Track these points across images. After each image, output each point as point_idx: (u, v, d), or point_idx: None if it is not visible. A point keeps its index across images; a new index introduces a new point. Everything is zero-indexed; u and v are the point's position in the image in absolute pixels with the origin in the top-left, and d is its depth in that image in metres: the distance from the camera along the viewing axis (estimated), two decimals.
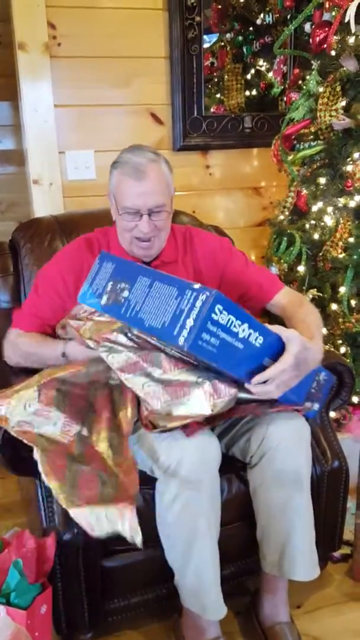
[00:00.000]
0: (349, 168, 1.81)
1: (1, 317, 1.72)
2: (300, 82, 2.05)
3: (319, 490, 1.52)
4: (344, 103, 1.83)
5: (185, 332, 1.09)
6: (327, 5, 1.86)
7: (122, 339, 1.27)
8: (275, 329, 1.19)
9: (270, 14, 2.23)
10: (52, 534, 1.29)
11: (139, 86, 2.12)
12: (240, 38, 2.26)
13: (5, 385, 1.35)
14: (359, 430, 1.93)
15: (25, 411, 1.24)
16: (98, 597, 1.38)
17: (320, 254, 1.92)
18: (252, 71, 2.31)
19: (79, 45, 2.02)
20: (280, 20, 2.22)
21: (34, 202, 2.08)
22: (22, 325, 1.53)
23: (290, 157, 2.02)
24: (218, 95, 2.28)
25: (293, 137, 2.04)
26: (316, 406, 1.36)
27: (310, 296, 1.90)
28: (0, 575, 1.25)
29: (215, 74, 2.26)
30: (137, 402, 1.28)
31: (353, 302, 1.84)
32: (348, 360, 1.76)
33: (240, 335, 1.14)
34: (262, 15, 2.23)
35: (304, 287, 1.94)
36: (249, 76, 2.31)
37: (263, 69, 2.33)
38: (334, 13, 1.82)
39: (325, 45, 1.86)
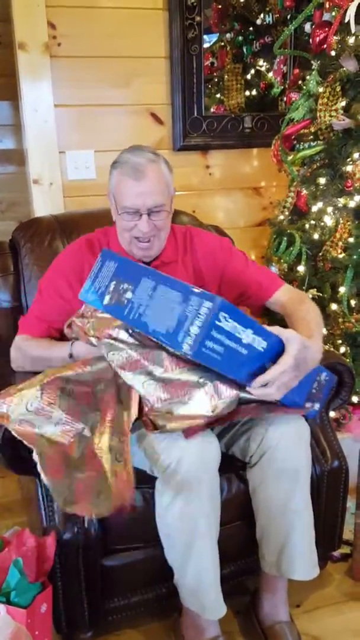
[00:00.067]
0: (349, 168, 1.81)
1: (1, 316, 1.72)
2: (300, 82, 2.06)
3: (318, 490, 1.53)
4: (343, 103, 1.83)
5: (189, 340, 1.09)
6: (327, 6, 1.86)
7: (123, 335, 1.27)
8: (275, 330, 1.19)
9: (270, 14, 2.23)
10: (52, 533, 1.29)
11: (139, 86, 2.12)
12: (240, 38, 2.26)
13: (5, 387, 1.35)
14: (359, 430, 1.93)
15: (27, 410, 1.24)
16: (98, 596, 1.39)
17: (320, 254, 1.92)
18: (252, 71, 2.31)
19: (79, 45, 2.02)
20: (280, 20, 2.23)
21: (34, 201, 2.09)
22: (28, 330, 1.53)
23: (290, 157, 2.03)
24: (218, 95, 2.28)
25: (293, 137, 2.04)
26: (317, 406, 1.36)
27: (310, 296, 1.90)
28: (0, 574, 1.25)
29: (215, 74, 2.26)
30: (139, 399, 1.28)
31: (353, 302, 1.85)
32: (348, 360, 1.76)
33: (244, 341, 1.13)
34: (262, 15, 2.24)
35: (303, 287, 1.94)
36: (249, 76, 2.31)
37: (263, 69, 2.33)
38: (334, 13, 1.82)
39: (325, 46, 1.87)
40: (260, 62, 2.32)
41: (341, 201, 1.85)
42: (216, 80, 2.27)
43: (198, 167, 2.30)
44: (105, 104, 2.10)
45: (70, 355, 1.39)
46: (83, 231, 1.67)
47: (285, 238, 2.03)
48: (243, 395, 1.24)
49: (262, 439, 1.36)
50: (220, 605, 1.31)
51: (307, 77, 1.95)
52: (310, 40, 1.96)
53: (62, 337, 1.50)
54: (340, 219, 1.85)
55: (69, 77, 2.04)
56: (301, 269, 1.95)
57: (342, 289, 1.83)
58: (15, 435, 1.21)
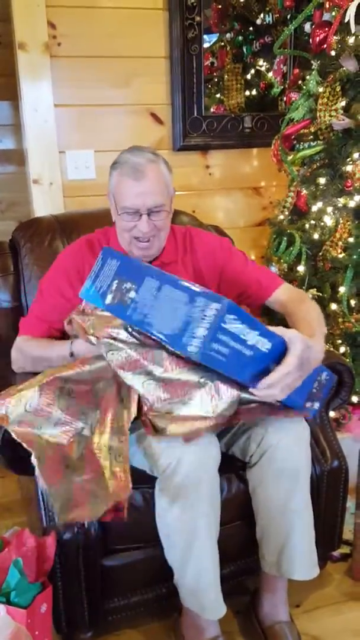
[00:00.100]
0: (349, 168, 1.81)
1: (1, 316, 1.72)
2: (300, 82, 2.06)
3: (318, 490, 1.53)
4: (343, 103, 1.83)
5: (195, 341, 1.08)
6: (327, 5, 1.86)
7: (122, 335, 1.26)
8: (278, 330, 1.19)
9: (270, 14, 2.23)
10: (52, 533, 1.29)
11: (139, 86, 2.12)
12: (240, 38, 2.26)
13: (5, 387, 1.35)
14: (359, 429, 1.93)
15: (26, 411, 1.24)
16: (98, 596, 1.39)
17: (320, 253, 1.92)
18: (252, 71, 2.31)
19: (79, 45, 2.02)
20: (280, 20, 2.23)
21: (34, 201, 2.09)
22: (28, 330, 1.53)
23: (290, 157, 2.03)
24: (218, 95, 2.28)
25: (293, 137, 2.04)
26: (316, 405, 1.36)
27: (310, 296, 1.90)
28: (0, 574, 1.25)
29: (215, 73, 2.26)
30: (138, 398, 1.27)
31: (353, 302, 1.85)
32: (348, 360, 1.76)
33: (249, 342, 1.13)
34: (262, 15, 2.24)
35: (303, 287, 1.94)
36: (248, 76, 2.31)
37: (263, 69, 2.33)
38: (334, 13, 1.82)
39: (325, 45, 1.87)
40: (260, 62, 2.32)
41: (341, 201, 1.85)
42: (216, 80, 2.27)
43: (198, 167, 2.30)
44: (105, 103, 2.10)
45: (71, 354, 1.39)
46: (83, 231, 1.67)
47: (285, 238, 2.03)
48: (244, 395, 1.24)
49: (262, 439, 1.36)
50: (220, 605, 1.31)
51: (307, 77, 1.95)
52: (310, 40, 1.96)
53: (63, 337, 1.50)
54: (340, 218, 1.85)
55: (69, 77, 2.04)
56: (301, 268, 1.95)
57: (342, 289, 1.83)
58: (15, 437, 1.21)
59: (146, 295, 1.17)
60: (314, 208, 1.93)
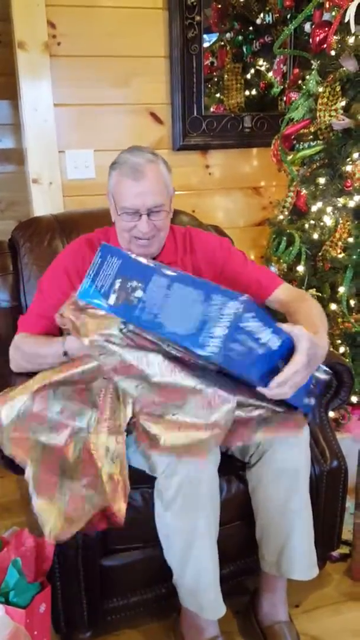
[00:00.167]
0: (349, 168, 1.81)
1: (0, 316, 1.72)
2: (300, 82, 2.06)
3: (317, 490, 1.53)
4: (343, 103, 1.83)
5: (214, 342, 1.04)
6: (327, 5, 1.86)
7: (116, 338, 1.23)
8: (284, 327, 1.17)
9: (270, 14, 2.23)
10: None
11: (138, 85, 2.12)
12: (240, 38, 2.26)
13: (4, 387, 1.34)
14: (358, 430, 1.93)
15: (19, 417, 1.23)
16: (97, 596, 1.39)
17: (320, 253, 1.92)
18: (252, 71, 2.31)
19: (78, 44, 2.02)
20: (280, 20, 2.22)
21: (34, 201, 2.08)
22: (27, 328, 1.52)
23: (289, 157, 2.03)
24: (218, 95, 2.28)
25: (293, 137, 2.04)
26: (312, 401, 1.34)
27: (310, 296, 1.90)
28: None
29: (215, 73, 2.26)
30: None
31: (352, 302, 1.85)
32: (347, 360, 1.76)
33: (262, 341, 1.10)
34: (262, 14, 2.23)
35: (303, 287, 1.94)
36: (248, 76, 2.31)
37: (263, 68, 2.33)
38: (333, 13, 1.82)
39: (325, 45, 1.87)
40: (260, 61, 2.32)
41: (341, 201, 1.85)
42: (216, 79, 2.27)
43: (198, 167, 2.29)
44: (105, 103, 2.10)
45: (65, 353, 1.37)
46: (83, 231, 1.67)
47: (284, 238, 2.03)
48: (243, 398, 1.23)
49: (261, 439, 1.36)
50: (219, 606, 1.31)
51: (307, 77, 1.95)
52: (310, 40, 1.96)
53: (62, 334, 1.50)
54: (340, 218, 1.85)
55: (68, 76, 2.03)
56: (300, 268, 1.95)
57: (341, 289, 1.83)
58: (8, 451, 1.21)
59: (155, 294, 1.12)
60: (314, 208, 1.93)
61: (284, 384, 1.17)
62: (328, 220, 1.89)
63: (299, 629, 1.44)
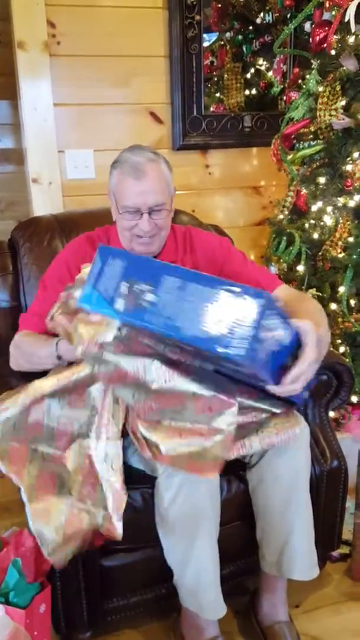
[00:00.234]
0: (349, 167, 1.81)
1: (0, 316, 1.72)
2: (300, 81, 2.05)
3: (318, 490, 1.53)
4: (343, 102, 1.83)
5: (239, 343, 0.99)
6: (327, 5, 1.86)
7: (111, 346, 1.16)
8: (292, 321, 1.15)
9: (270, 13, 2.23)
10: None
11: (138, 85, 2.12)
12: (240, 37, 2.26)
13: (4, 387, 1.34)
14: (358, 430, 1.93)
15: (15, 429, 1.21)
16: (97, 596, 1.39)
17: (320, 253, 1.92)
18: (252, 70, 2.31)
19: (78, 43, 2.02)
20: (280, 19, 2.22)
21: (33, 201, 2.08)
22: (28, 326, 1.52)
23: (289, 157, 2.02)
24: (218, 95, 2.28)
25: (293, 136, 2.04)
26: (306, 394, 1.30)
27: (310, 296, 1.90)
28: None
29: (214, 73, 2.26)
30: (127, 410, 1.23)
31: (352, 302, 1.84)
32: (347, 360, 1.76)
33: (277, 337, 1.07)
34: (262, 14, 2.23)
35: (303, 287, 1.94)
36: (248, 75, 2.31)
37: (263, 68, 2.32)
38: (333, 12, 1.82)
39: (325, 45, 1.86)
40: (260, 61, 2.31)
41: (341, 200, 1.85)
42: (216, 79, 2.27)
43: (197, 167, 2.29)
44: (105, 103, 2.10)
45: (59, 357, 1.35)
46: (82, 230, 1.66)
47: (284, 237, 2.02)
48: (244, 401, 1.22)
49: None
50: (219, 606, 1.31)
51: (307, 76, 1.95)
52: (310, 39, 1.96)
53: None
54: (340, 218, 1.85)
55: (68, 76, 2.03)
56: (301, 268, 1.95)
57: (341, 289, 1.83)
58: (4, 469, 1.19)
59: (167, 296, 1.05)
60: (314, 207, 1.93)
61: (297, 379, 1.15)
62: (328, 220, 1.89)
63: (299, 629, 1.44)
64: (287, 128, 2.02)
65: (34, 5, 1.92)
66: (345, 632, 1.52)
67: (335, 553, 1.72)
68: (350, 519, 1.71)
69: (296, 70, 2.13)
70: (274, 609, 1.45)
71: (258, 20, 2.24)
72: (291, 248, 1.97)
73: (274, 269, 2.09)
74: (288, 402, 1.30)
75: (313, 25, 1.94)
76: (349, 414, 1.94)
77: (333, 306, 1.88)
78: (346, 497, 1.60)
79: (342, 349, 1.86)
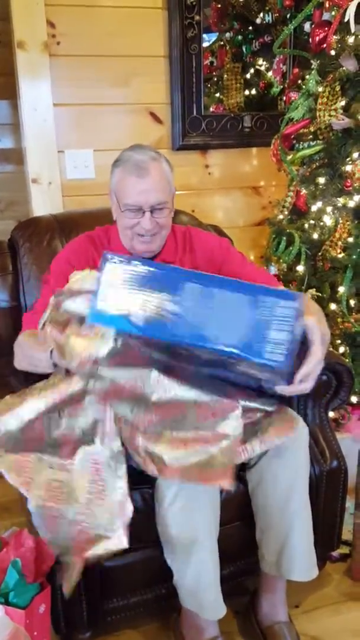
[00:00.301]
0: (348, 168, 1.81)
1: (0, 316, 1.72)
2: (299, 81, 2.05)
3: (317, 490, 1.53)
4: (343, 103, 1.83)
5: (275, 348, 0.96)
6: (326, 5, 1.86)
7: (105, 361, 1.11)
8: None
9: (270, 13, 2.23)
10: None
11: (138, 85, 2.12)
12: (239, 37, 2.26)
13: (4, 387, 1.33)
14: (358, 430, 1.93)
15: (16, 441, 1.17)
16: (97, 596, 1.38)
17: (320, 253, 1.92)
18: (252, 70, 2.31)
19: (78, 44, 2.02)
20: (279, 19, 2.22)
21: (33, 201, 2.08)
22: (30, 325, 1.51)
23: (289, 157, 2.02)
24: (217, 95, 2.28)
25: (292, 136, 2.04)
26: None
27: (309, 296, 1.90)
28: None
29: (214, 73, 2.26)
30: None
31: (352, 302, 1.84)
32: (347, 360, 1.76)
33: (298, 337, 1.04)
34: (261, 14, 2.23)
35: (303, 287, 1.94)
36: (248, 75, 2.31)
37: (262, 68, 2.32)
38: (333, 12, 1.82)
39: (324, 45, 1.86)
40: (260, 61, 2.32)
41: (340, 201, 1.85)
42: (215, 79, 2.27)
43: (197, 167, 2.29)
44: (105, 103, 2.10)
45: (55, 365, 1.30)
46: (82, 230, 1.66)
47: (284, 238, 2.02)
48: (247, 403, 1.21)
49: None
50: (219, 606, 1.31)
51: (307, 77, 1.95)
52: (310, 39, 1.96)
53: None
54: (340, 218, 1.85)
55: (68, 76, 2.03)
56: (300, 268, 1.95)
57: (341, 289, 1.83)
58: (11, 480, 1.16)
59: (191, 305, 0.99)
60: (314, 208, 1.93)
61: (307, 377, 1.15)
62: (328, 220, 1.89)
63: (298, 629, 1.44)
64: (286, 128, 2.02)
65: (33, 5, 1.92)
66: (345, 632, 1.52)
67: (335, 553, 1.72)
68: (350, 519, 1.71)
69: (296, 70, 2.13)
70: (273, 609, 1.45)
71: (258, 21, 2.24)
72: (291, 248, 1.97)
73: (273, 269, 2.09)
74: (278, 399, 1.28)
75: (313, 26, 1.94)
76: (349, 414, 1.94)
77: (333, 306, 1.88)
78: (346, 497, 1.60)
79: (341, 349, 1.86)
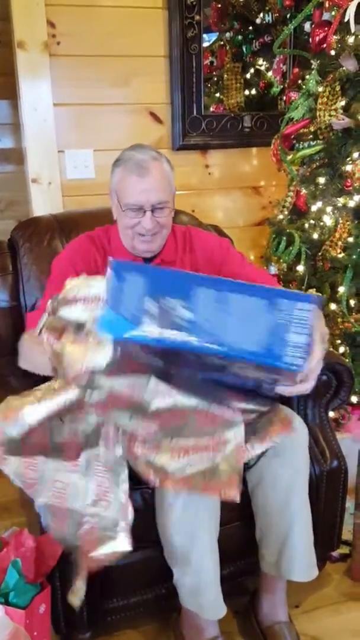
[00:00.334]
0: (348, 168, 1.81)
1: (0, 316, 1.72)
2: (299, 81, 2.05)
3: (317, 490, 1.52)
4: (343, 103, 1.83)
5: (296, 352, 0.94)
6: (326, 5, 1.86)
7: (101, 372, 1.07)
8: None
9: (270, 13, 2.23)
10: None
11: (138, 85, 2.12)
12: (239, 37, 2.26)
13: (4, 387, 1.33)
14: (358, 430, 1.93)
15: (19, 447, 1.16)
16: (97, 596, 1.38)
17: (320, 253, 1.92)
18: (252, 70, 2.31)
19: (78, 43, 2.02)
20: (279, 19, 2.22)
21: (33, 201, 2.08)
22: (34, 324, 1.50)
23: (289, 157, 2.02)
24: (217, 95, 2.28)
25: (292, 136, 2.04)
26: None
27: None
28: None
29: (214, 73, 2.26)
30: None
31: (352, 302, 1.84)
32: (347, 360, 1.76)
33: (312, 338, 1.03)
34: (261, 14, 2.23)
35: (303, 287, 1.94)
36: (248, 75, 2.31)
37: (262, 68, 2.32)
38: (333, 12, 1.82)
39: (324, 45, 1.86)
40: (260, 61, 2.32)
41: (340, 201, 1.85)
42: (215, 79, 2.27)
43: (197, 167, 2.29)
44: (105, 103, 2.10)
45: (54, 369, 1.28)
46: (82, 230, 1.66)
47: (284, 237, 2.02)
48: (244, 405, 1.21)
49: None
50: (220, 606, 1.31)
51: (307, 77, 1.95)
52: (310, 39, 1.96)
53: None
54: (340, 218, 1.85)
55: (68, 76, 2.03)
56: (300, 268, 1.95)
57: (341, 289, 1.83)
58: (19, 483, 1.14)
59: (206, 311, 0.95)
60: (314, 208, 1.93)
61: (308, 377, 1.15)
62: (328, 220, 1.89)
63: (298, 630, 1.44)
64: (286, 128, 2.02)
65: (34, 5, 1.92)
66: (345, 633, 1.52)
67: (335, 553, 1.72)
68: (350, 519, 1.71)
69: (296, 70, 2.13)
70: (273, 609, 1.45)
71: (258, 21, 2.24)
72: (291, 248, 1.97)
73: (273, 269, 2.09)
74: (273, 399, 1.27)
75: (313, 26, 1.94)
76: (349, 414, 1.94)
77: (333, 306, 1.88)
78: (346, 497, 1.60)
79: (342, 349, 1.86)
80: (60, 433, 1.14)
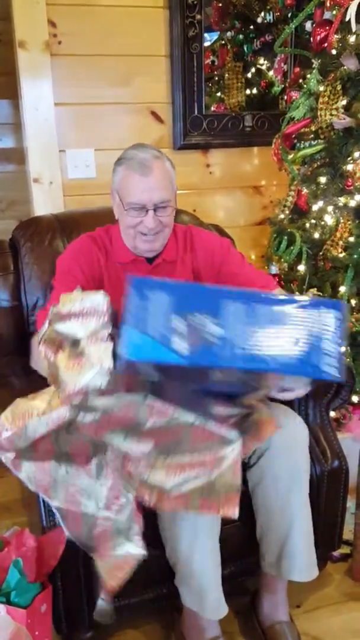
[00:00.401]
0: (350, 167, 1.81)
1: (1, 316, 1.72)
2: (300, 80, 2.05)
3: (318, 490, 1.52)
4: (344, 102, 1.83)
5: (330, 360, 0.93)
6: (328, 4, 1.85)
7: (95, 392, 1.04)
8: None
9: (271, 13, 2.23)
10: (60, 529, 1.26)
11: (139, 84, 2.12)
12: (240, 36, 2.26)
13: (4, 387, 1.33)
14: (359, 429, 1.93)
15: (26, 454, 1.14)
16: (98, 596, 1.38)
17: (321, 253, 1.92)
18: (253, 70, 2.31)
19: (79, 43, 2.01)
20: (281, 18, 2.22)
21: (34, 200, 2.08)
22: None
23: (290, 156, 2.02)
24: (218, 94, 2.28)
25: (293, 136, 2.04)
26: None
27: (311, 295, 1.90)
28: (0, 574, 1.25)
29: (215, 72, 2.26)
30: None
31: (353, 302, 1.84)
32: (348, 360, 1.76)
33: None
34: (262, 13, 2.23)
35: (304, 287, 1.94)
36: (249, 75, 2.30)
37: (264, 67, 2.32)
38: (334, 12, 1.82)
39: (326, 44, 1.86)
40: (261, 60, 2.31)
41: (342, 200, 1.84)
42: (217, 78, 2.27)
43: (198, 166, 2.29)
44: (106, 102, 2.10)
45: None
46: (83, 230, 1.66)
47: (285, 237, 2.02)
48: (223, 410, 1.16)
49: None
50: (221, 605, 1.31)
51: (308, 76, 1.95)
52: (311, 38, 1.95)
53: None
54: (341, 218, 1.85)
55: (69, 75, 2.03)
56: (301, 268, 1.94)
57: (342, 289, 1.82)
58: (32, 487, 1.13)
59: (237, 325, 0.92)
60: (315, 207, 1.92)
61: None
62: (329, 220, 1.89)
63: (299, 629, 1.45)
64: (287, 127, 2.02)
65: (34, 5, 1.92)
66: (346, 632, 1.52)
67: (336, 553, 1.72)
68: (351, 519, 1.71)
69: (297, 69, 2.13)
70: (274, 609, 1.45)
71: (259, 20, 2.24)
72: (292, 248, 1.97)
73: (274, 269, 2.09)
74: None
75: (314, 25, 1.94)
76: (350, 414, 1.94)
77: None
78: (347, 497, 1.60)
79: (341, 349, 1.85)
80: (67, 442, 1.12)
